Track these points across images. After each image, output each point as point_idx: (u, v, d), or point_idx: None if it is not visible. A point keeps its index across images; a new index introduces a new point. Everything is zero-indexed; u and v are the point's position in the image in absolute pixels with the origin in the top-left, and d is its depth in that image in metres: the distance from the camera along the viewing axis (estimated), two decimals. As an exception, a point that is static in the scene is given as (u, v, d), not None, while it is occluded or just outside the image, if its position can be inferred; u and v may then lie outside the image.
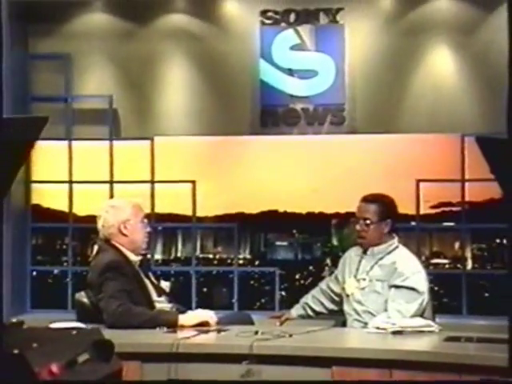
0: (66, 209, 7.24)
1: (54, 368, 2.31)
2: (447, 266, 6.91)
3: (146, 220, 4.65)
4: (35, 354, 2.30)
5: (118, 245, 4.50)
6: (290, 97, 7.03)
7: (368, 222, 4.57)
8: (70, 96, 7.25)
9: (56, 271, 7.37)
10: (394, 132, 6.84)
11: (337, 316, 4.81)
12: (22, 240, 7.16)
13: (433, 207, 6.85)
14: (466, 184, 6.71)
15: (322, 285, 4.93)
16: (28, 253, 7.25)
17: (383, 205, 4.62)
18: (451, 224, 6.88)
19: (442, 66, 6.86)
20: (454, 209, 6.82)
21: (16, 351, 2.26)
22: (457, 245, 6.90)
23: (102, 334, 2.77)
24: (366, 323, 4.36)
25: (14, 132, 2.37)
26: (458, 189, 6.75)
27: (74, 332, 2.72)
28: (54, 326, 3.66)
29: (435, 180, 6.75)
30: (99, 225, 4.56)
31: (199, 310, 4.45)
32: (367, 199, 4.66)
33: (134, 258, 4.52)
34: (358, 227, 4.62)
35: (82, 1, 7.22)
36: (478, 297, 6.71)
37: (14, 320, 3.53)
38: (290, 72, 7.02)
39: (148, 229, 4.65)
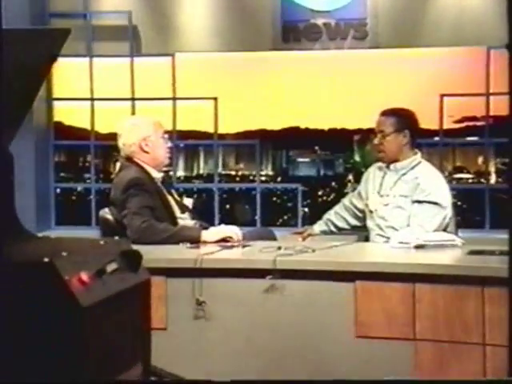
0: (87, 126, 7.24)
1: (84, 276, 2.34)
2: (470, 180, 6.89)
3: (166, 136, 4.65)
4: (65, 262, 2.32)
5: (140, 162, 4.51)
6: (311, 11, 6.94)
7: (384, 133, 4.56)
8: (88, 12, 7.18)
9: (79, 188, 7.42)
10: (417, 46, 6.74)
11: (359, 231, 4.82)
12: (44, 157, 7.19)
13: (456, 122, 6.79)
14: (491, 98, 6.63)
15: (345, 201, 4.93)
16: (51, 170, 7.29)
17: (399, 116, 4.60)
18: (475, 138, 6.82)
19: (467, -23, 6.72)
20: (477, 123, 6.76)
21: (46, 259, 2.28)
22: (480, 159, 6.86)
23: (130, 245, 2.79)
24: (388, 238, 4.36)
25: (35, 44, 2.35)
26: (482, 103, 6.67)
27: (102, 242, 2.74)
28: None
29: (459, 94, 6.67)
30: (120, 143, 4.57)
31: (223, 226, 4.47)
32: (384, 113, 4.65)
33: (157, 175, 4.53)
34: (375, 141, 4.62)
35: None
36: (501, 211, 6.69)
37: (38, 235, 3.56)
38: (311, -14, 6.90)
39: (169, 144, 4.65)
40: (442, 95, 6.70)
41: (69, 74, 7.09)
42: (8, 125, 2.41)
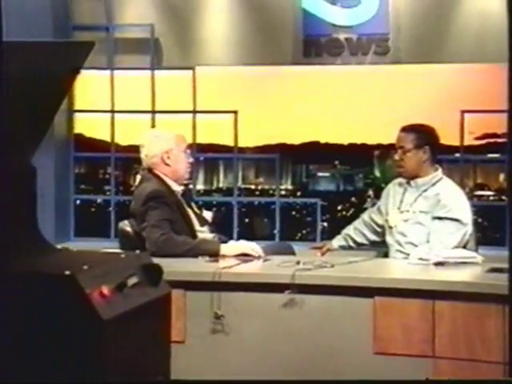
0: (108, 138, 7.27)
1: (105, 290, 2.34)
2: (491, 197, 6.85)
3: (188, 150, 4.66)
4: (86, 275, 2.33)
5: (160, 174, 4.51)
6: (332, 26, 6.94)
7: (405, 149, 4.55)
8: (111, 25, 7.22)
9: (99, 200, 7.44)
10: (439, 62, 6.72)
11: (378, 247, 4.80)
12: (64, 169, 7.22)
13: (477, 138, 6.77)
14: (513, 115, 6.58)
15: (365, 216, 4.91)
16: (71, 182, 7.32)
17: (420, 133, 4.59)
18: (496, 155, 6.79)
19: (489, -7, 6.69)
20: (499, 140, 6.71)
21: (67, 272, 2.29)
22: (501, 176, 6.83)
23: (151, 258, 2.79)
24: (408, 254, 4.34)
25: (60, 56, 2.36)
26: (503, 119, 6.59)
27: (123, 255, 2.74)
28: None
29: (480, 111, 6.64)
30: (142, 154, 4.58)
31: (242, 241, 4.45)
32: (405, 129, 4.64)
33: (177, 188, 4.53)
34: (396, 157, 4.61)
35: None
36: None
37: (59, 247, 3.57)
38: (333, 1, 6.91)
39: (190, 159, 4.66)
40: (463, 111, 6.68)
41: (90, 87, 7.12)
42: (31, 137, 2.42)
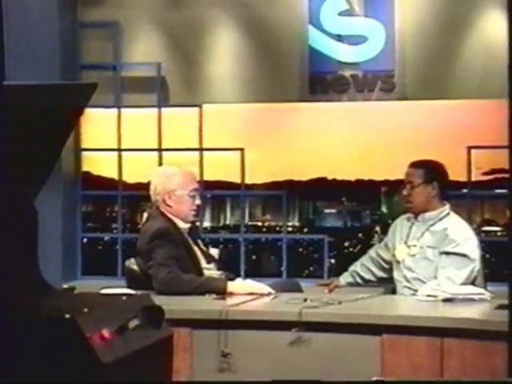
0: (115, 176, 7.27)
1: (106, 333, 2.33)
2: (499, 233, 6.82)
3: (195, 191, 4.59)
4: (86, 318, 2.32)
5: (166, 212, 4.50)
6: (339, 63, 6.96)
7: (413, 184, 4.55)
8: (118, 64, 7.26)
9: (106, 238, 7.43)
10: (445, 98, 6.74)
11: (386, 284, 4.78)
12: (72, 207, 7.22)
13: (484, 174, 6.75)
14: (520, 150, 6.58)
15: (372, 252, 4.90)
16: (78, 220, 7.31)
17: (429, 168, 4.62)
18: (503, 191, 6.76)
19: (494, 29, 6.69)
20: (506, 175, 6.69)
21: (67, 316, 2.28)
22: (509, 212, 6.80)
23: (152, 300, 2.78)
24: (415, 290, 4.33)
25: (63, 98, 2.38)
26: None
27: (125, 298, 2.73)
28: (104, 292, 3.70)
29: (487, 146, 6.63)
30: (150, 191, 4.57)
31: (250, 281, 4.43)
32: (414, 164, 4.67)
33: (183, 226, 4.52)
34: (404, 192, 4.63)
35: (128, -32, 7.22)
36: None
37: (66, 286, 3.57)
38: (339, 38, 6.93)
39: (198, 201, 4.57)
40: (470, 147, 6.68)
41: (97, 125, 7.15)
42: (33, 180, 2.42)
